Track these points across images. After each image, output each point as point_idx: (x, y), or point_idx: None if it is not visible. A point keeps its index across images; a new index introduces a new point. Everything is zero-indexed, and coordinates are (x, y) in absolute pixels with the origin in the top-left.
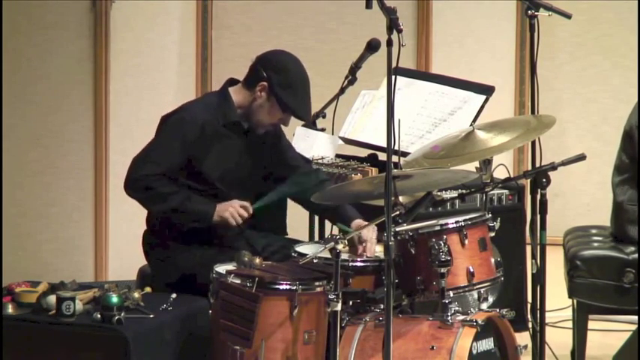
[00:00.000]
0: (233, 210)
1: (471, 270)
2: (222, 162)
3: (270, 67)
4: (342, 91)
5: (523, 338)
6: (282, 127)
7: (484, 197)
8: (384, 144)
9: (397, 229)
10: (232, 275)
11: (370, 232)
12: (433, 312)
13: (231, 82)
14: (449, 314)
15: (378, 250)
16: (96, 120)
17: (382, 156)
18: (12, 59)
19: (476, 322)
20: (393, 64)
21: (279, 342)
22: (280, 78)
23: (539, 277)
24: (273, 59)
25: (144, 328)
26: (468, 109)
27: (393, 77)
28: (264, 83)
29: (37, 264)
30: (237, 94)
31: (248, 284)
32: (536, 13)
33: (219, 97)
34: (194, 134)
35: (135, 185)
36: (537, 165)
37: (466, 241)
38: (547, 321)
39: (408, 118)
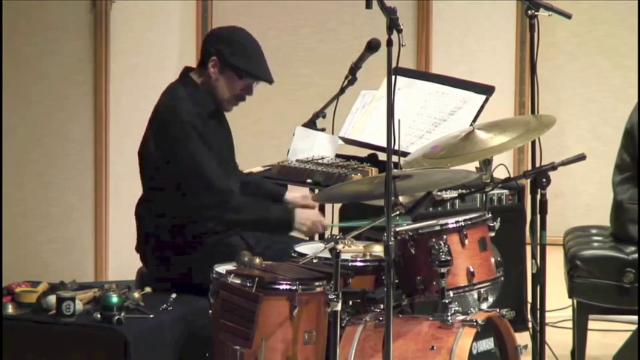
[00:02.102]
0: (313, 226)
1: (471, 270)
2: (216, 151)
3: (216, 41)
4: (342, 91)
5: (523, 338)
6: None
7: (484, 197)
8: (384, 144)
9: (397, 229)
10: (232, 275)
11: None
12: (433, 312)
13: (188, 69)
14: (449, 314)
15: (378, 250)
16: (96, 120)
17: (382, 156)
18: (12, 59)
19: (476, 322)
20: (393, 64)
21: (279, 342)
22: (228, 48)
23: (539, 277)
24: (218, 34)
25: (144, 328)
26: (468, 109)
27: (393, 77)
28: (215, 57)
29: (37, 264)
30: (198, 80)
31: (248, 284)
32: (536, 13)
33: (188, 87)
34: (200, 128)
35: (227, 209)
36: (537, 165)
37: (466, 241)
38: (547, 321)
39: (408, 118)
